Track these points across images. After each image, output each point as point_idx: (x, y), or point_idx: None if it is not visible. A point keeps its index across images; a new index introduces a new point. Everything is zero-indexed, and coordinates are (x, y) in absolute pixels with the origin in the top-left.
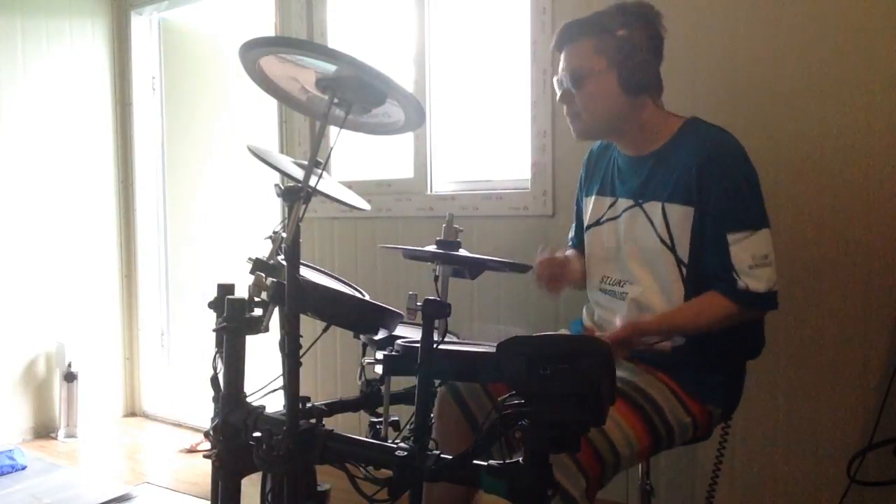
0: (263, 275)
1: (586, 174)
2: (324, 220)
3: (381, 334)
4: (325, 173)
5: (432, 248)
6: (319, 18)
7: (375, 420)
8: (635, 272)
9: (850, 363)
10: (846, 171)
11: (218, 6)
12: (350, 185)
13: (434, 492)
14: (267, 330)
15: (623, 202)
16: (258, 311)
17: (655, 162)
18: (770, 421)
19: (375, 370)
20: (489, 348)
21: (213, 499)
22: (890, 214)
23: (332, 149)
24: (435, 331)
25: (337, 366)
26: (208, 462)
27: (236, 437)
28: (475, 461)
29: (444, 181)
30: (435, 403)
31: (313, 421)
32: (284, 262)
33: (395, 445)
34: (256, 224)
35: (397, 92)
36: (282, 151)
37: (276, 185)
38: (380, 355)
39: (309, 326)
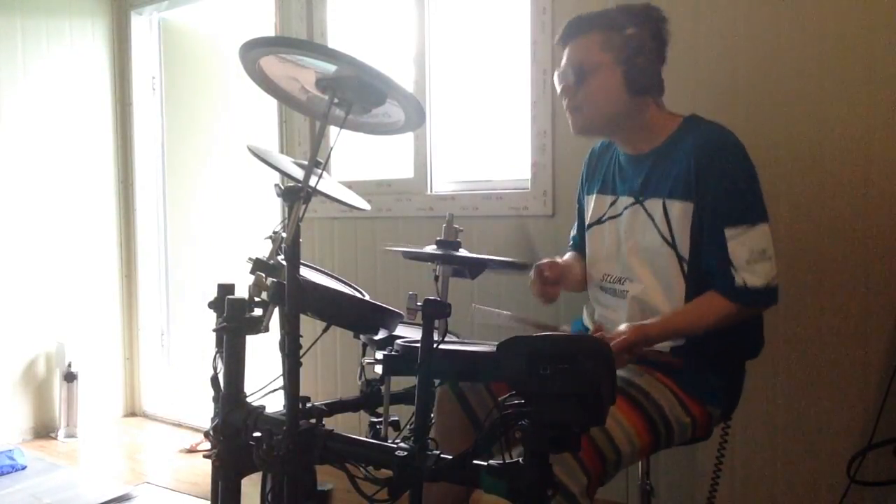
0: (263, 275)
1: (587, 173)
2: (324, 220)
3: (381, 334)
4: (325, 173)
5: (432, 248)
6: (319, 18)
7: (375, 420)
8: (636, 270)
9: (850, 363)
10: (846, 170)
11: (218, 6)
12: (350, 185)
13: (434, 492)
14: (267, 330)
15: (624, 200)
16: (258, 311)
17: (655, 160)
18: (770, 421)
19: (375, 370)
20: (489, 348)
21: (213, 499)
22: (890, 214)
23: (332, 149)
24: (435, 331)
25: (337, 366)
26: (208, 462)
27: (236, 437)
28: (475, 461)
29: (444, 181)
30: (435, 400)
31: (313, 421)
32: (284, 262)
33: (395, 445)
34: (256, 224)
35: (397, 92)
36: (282, 151)
37: (276, 185)
38: (380, 355)
39: (309, 326)
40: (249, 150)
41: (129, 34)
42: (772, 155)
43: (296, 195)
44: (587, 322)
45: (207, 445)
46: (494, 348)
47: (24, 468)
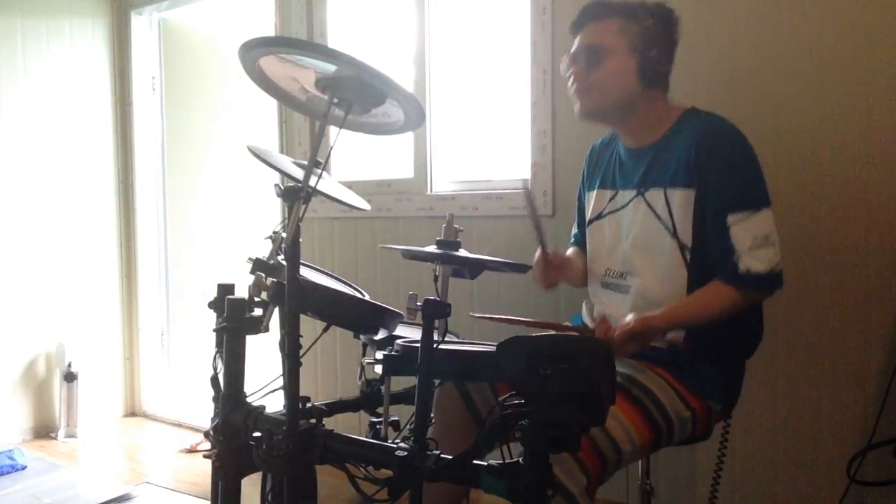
0: (263, 275)
1: (588, 169)
2: (324, 220)
3: (381, 334)
4: (324, 173)
5: (432, 248)
6: (319, 18)
7: (375, 420)
8: (637, 263)
9: (850, 363)
10: (845, 170)
11: (218, 6)
12: (350, 185)
13: (434, 492)
14: (267, 330)
15: (624, 194)
16: (258, 311)
17: (656, 152)
18: (770, 421)
19: (375, 370)
20: (489, 348)
21: (213, 499)
22: (889, 214)
23: (332, 149)
24: (435, 331)
25: (337, 366)
26: (208, 462)
27: (236, 437)
28: (475, 461)
29: (444, 181)
30: (435, 394)
31: (313, 421)
32: (284, 262)
33: (395, 445)
34: (256, 224)
35: (397, 92)
36: (282, 151)
37: (276, 185)
38: (380, 355)
39: (309, 326)
40: (249, 150)
41: (129, 34)
42: (771, 153)
43: (296, 195)
44: (586, 319)
45: (207, 445)
46: (494, 348)
47: (24, 468)
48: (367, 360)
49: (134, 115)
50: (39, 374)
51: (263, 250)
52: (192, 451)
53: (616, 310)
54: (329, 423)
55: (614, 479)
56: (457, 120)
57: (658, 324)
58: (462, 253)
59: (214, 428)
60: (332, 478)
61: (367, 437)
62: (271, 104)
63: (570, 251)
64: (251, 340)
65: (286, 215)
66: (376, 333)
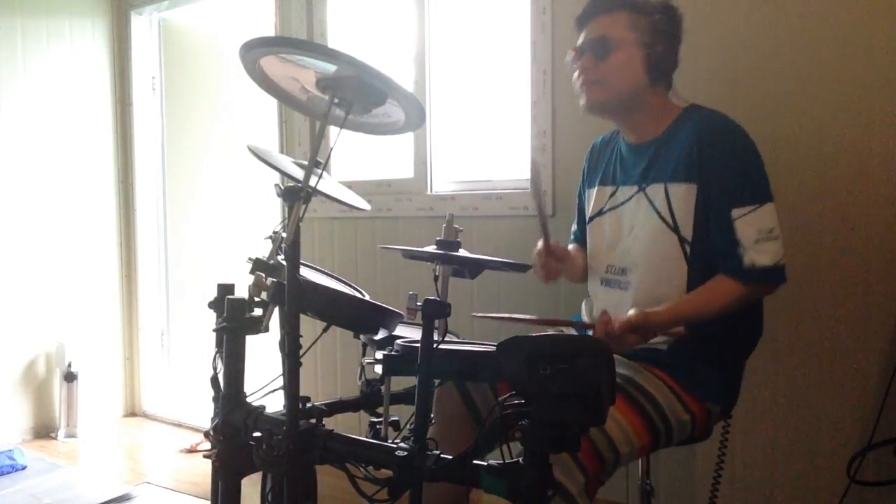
0: (263, 275)
1: (589, 166)
2: (324, 220)
3: (381, 334)
4: (325, 173)
5: (432, 248)
6: (319, 18)
7: (375, 420)
8: (638, 258)
9: (850, 363)
10: (845, 169)
11: (218, 6)
12: (350, 185)
13: (434, 492)
14: (267, 330)
15: (625, 190)
16: (258, 311)
17: (657, 148)
18: (770, 421)
19: (375, 370)
20: (489, 348)
21: (213, 499)
22: (889, 213)
23: (332, 149)
24: (435, 331)
25: (337, 366)
26: (208, 462)
27: (236, 437)
28: (475, 461)
29: (444, 181)
30: (435, 394)
31: (313, 421)
32: (284, 262)
33: (395, 445)
34: (256, 224)
35: (397, 92)
36: (282, 151)
37: (276, 185)
38: (380, 355)
39: (309, 326)
40: (249, 150)
41: (129, 34)
42: (771, 153)
43: (296, 195)
44: (586, 319)
45: (207, 445)
46: (494, 348)
47: (24, 468)
48: (367, 360)
49: (134, 115)
50: (39, 374)
51: (263, 250)
52: (192, 451)
53: (616, 307)
54: (329, 423)
55: (614, 479)
56: (457, 120)
57: (660, 319)
58: (462, 253)
59: (214, 428)
60: (332, 478)
61: (367, 437)
62: (271, 104)
63: (570, 247)
64: (251, 340)
65: (286, 215)
66: (376, 333)
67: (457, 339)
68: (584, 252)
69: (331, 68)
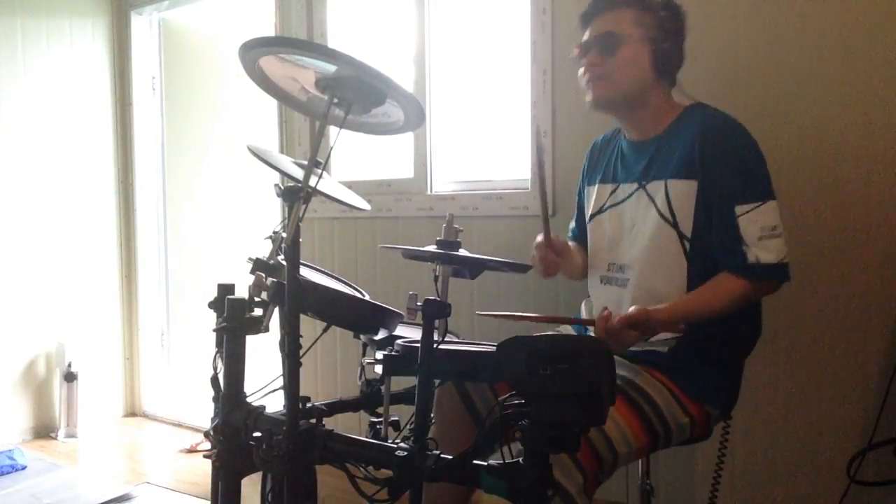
0: (263, 275)
1: (589, 164)
2: (324, 220)
3: (381, 334)
4: (325, 173)
5: (432, 248)
6: (319, 18)
7: (375, 420)
8: (638, 255)
9: (850, 363)
10: (846, 169)
11: (218, 6)
12: (350, 185)
13: (434, 492)
14: (267, 330)
15: (625, 187)
16: (258, 311)
17: (658, 145)
18: (770, 421)
19: (375, 370)
20: (489, 348)
21: (213, 499)
22: (889, 213)
23: (332, 149)
24: (435, 331)
25: (337, 366)
26: (208, 462)
27: (236, 437)
28: (475, 461)
29: (444, 181)
30: (435, 394)
31: (313, 421)
32: (284, 262)
33: (395, 445)
34: (256, 224)
35: (397, 92)
36: (282, 151)
37: (276, 185)
38: (380, 355)
39: (309, 326)
40: (249, 150)
41: (129, 34)
42: (771, 153)
43: (296, 195)
44: (585, 317)
45: (207, 445)
46: (494, 348)
47: (24, 468)
48: (367, 360)
49: (134, 115)
50: (39, 374)
51: (263, 250)
52: (192, 451)
53: (617, 304)
54: (329, 423)
55: (614, 480)
56: (457, 120)
57: (661, 316)
58: (462, 253)
59: (214, 428)
60: (332, 478)
61: (367, 437)
62: (271, 104)
63: (569, 244)
64: (251, 340)
65: (286, 215)
66: (376, 333)
67: (457, 339)
68: (581, 249)
69: (330, 68)
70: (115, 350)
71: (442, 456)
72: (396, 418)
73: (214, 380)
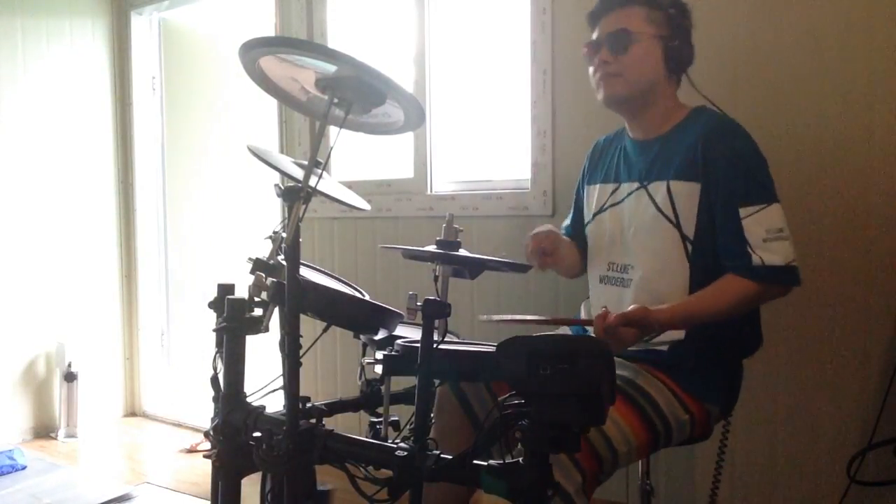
0: (263, 275)
1: (590, 164)
2: (324, 220)
3: (381, 334)
4: (325, 173)
5: (432, 248)
6: (319, 18)
7: (375, 420)
8: (639, 255)
9: (850, 363)
10: (846, 169)
11: (218, 6)
12: (350, 185)
13: (434, 492)
14: (267, 330)
15: (626, 186)
16: (258, 311)
17: (662, 145)
18: (770, 421)
19: (375, 370)
20: (489, 348)
21: (213, 499)
22: (890, 213)
23: (332, 149)
24: (435, 331)
25: (337, 366)
26: (208, 462)
27: (236, 437)
28: (475, 461)
29: (444, 181)
30: (435, 399)
31: (313, 421)
32: (284, 262)
33: (395, 445)
34: (256, 224)
35: (397, 92)
36: (282, 151)
37: (276, 185)
38: (380, 355)
39: (309, 326)
40: (249, 150)
41: (129, 34)
42: (771, 153)
43: (296, 195)
44: (585, 317)
45: (207, 445)
46: (494, 348)
47: (24, 468)
48: (367, 360)
49: (134, 115)
50: (39, 374)
51: (263, 250)
52: (192, 451)
53: (617, 304)
54: (329, 423)
55: (614, 479)
56: (457, 120)
57: (662, 316)
58: (462, 253)
59: (214, 428)
60: (332, 478)
61: (367, 437)
62: (271, 104)
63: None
64: (251, 340)
65: (286, 215)
66: (376, 333)
67: (457, 339)
68: (575, 248)
69: (330, 68)
70: (115, 350)
71: (442, 456)
72: (396, 418)
73: (214, 380)
